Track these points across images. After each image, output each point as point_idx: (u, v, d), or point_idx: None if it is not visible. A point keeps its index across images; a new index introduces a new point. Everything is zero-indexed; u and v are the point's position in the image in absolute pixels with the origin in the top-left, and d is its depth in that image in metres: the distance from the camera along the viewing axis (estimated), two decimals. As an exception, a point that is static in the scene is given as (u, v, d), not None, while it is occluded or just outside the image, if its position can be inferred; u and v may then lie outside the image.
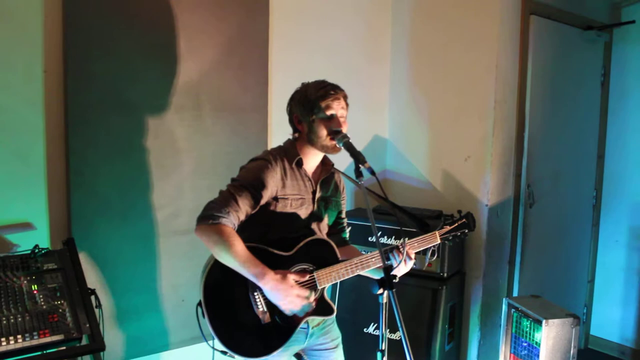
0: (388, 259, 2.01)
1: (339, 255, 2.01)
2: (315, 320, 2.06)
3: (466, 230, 2.19)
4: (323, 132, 1.94)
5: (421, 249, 2.12)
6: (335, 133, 1.92)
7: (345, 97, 2.00)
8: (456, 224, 2.18)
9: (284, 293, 1.81)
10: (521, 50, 3.25)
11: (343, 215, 2.25)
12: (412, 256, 2.02)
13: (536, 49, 3.31)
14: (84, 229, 2.40)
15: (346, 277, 1.97)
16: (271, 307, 1.88)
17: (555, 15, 3.46)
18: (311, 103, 1.95)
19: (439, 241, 2.14)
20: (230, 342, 1.84)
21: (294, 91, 2.05)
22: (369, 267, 1.98)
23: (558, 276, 3.80)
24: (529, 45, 3.27)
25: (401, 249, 1.98)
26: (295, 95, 2.04)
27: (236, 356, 1.86)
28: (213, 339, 1.86)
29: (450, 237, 2.17)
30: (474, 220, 2.22)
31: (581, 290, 4.05)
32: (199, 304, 1.86)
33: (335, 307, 2.03)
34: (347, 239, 2.28)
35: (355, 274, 1.98)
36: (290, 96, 2.05)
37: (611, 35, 3.90)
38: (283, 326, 1.91)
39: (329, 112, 1.94)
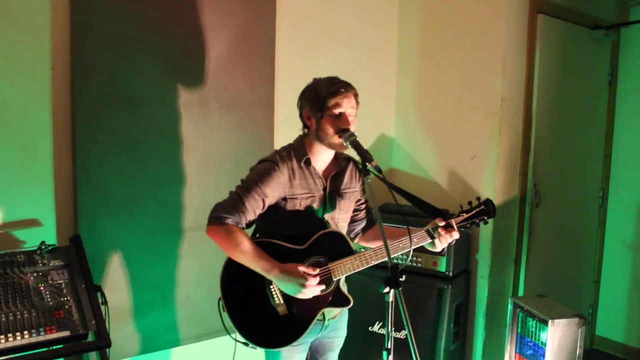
0: (432, 237, 2.01)
1: (352, 246, 2.01)
2: (332, 312, 2.07)
3: (485, 217, 2.07)
4: (331, 130, 1.92)
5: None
6: (343, 131, 1.90)
7: (355, 95, 1.97)
8: (474, 211, 2.07)
9: (293, 283, 1.83)
10: (528, 48, 3.24)
11: (363, 201, 2.24)
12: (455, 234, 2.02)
13: (543, 48, 3.29)
14: (90, 226, 2.40)
15: (361, 268, 1.97)
16: (287, 299, 1.91)
17: (563, 14, 3.44)
18: (321, 100, 1.92)
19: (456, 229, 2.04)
20: (251, 335, 1.90)
21: (305, 86, 2.03)
22: (383, 258, 1.95)
23: (564, 276, 3.79)
24: (536, 44, 3.25)
25: (441, 231, 1.99)
26: (306, 90, 2.02)
27: (257, 348, 1.92)
28: (235, 332, 1.91)
29: (469, 225, 2.07)
30: (494, 207, 2.08)
31: (587, 290, 4.03)
32: (220, 298, 1.92)
33: (351, 299, 2.02)
34: (374, 219, 2.28)
35: (370, 264, 1.97)
36: (302, 91, 2.04)
37: (619, 34, 3.88)
38: (300, 318, 1.93)
39: (337, 110, 1.92)
